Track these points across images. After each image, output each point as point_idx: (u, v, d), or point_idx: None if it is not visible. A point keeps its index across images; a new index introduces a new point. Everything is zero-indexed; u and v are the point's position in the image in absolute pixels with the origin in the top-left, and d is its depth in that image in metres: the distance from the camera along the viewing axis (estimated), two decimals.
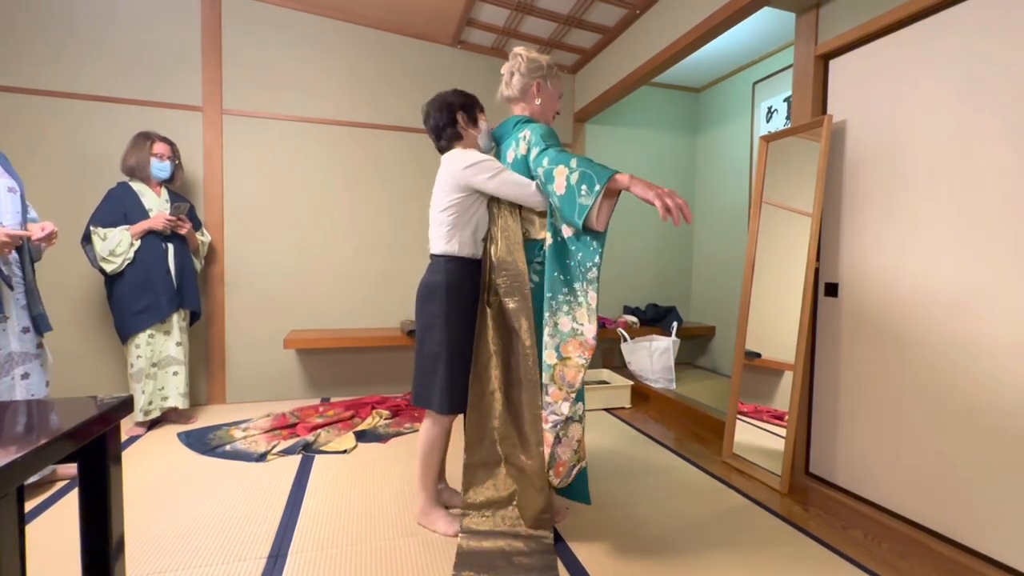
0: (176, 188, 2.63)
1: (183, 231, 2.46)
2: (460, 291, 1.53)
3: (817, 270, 1.91)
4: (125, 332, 2.37)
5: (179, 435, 2.37)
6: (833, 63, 1.89)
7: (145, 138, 2.41)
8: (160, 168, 2.42)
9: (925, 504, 1.57)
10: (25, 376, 1.74)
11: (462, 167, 1.48)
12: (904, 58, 1.63)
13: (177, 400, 2.46)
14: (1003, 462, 1.38)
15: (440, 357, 1.51)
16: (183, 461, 2.11)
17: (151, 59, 2.74)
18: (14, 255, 1.72)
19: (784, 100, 3.12)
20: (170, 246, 2.44)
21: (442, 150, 1.61)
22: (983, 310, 1.43)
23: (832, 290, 1.88)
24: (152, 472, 1.99)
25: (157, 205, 2.44)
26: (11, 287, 1.71)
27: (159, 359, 2.43)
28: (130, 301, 2.34)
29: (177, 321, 2.48)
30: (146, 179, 2.44)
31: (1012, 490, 1.36)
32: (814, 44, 1.92)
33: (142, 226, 2.34)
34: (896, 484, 1.66)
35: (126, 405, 0.95)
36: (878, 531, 1.64)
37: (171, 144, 2.49)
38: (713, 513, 1.76)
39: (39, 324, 1.80)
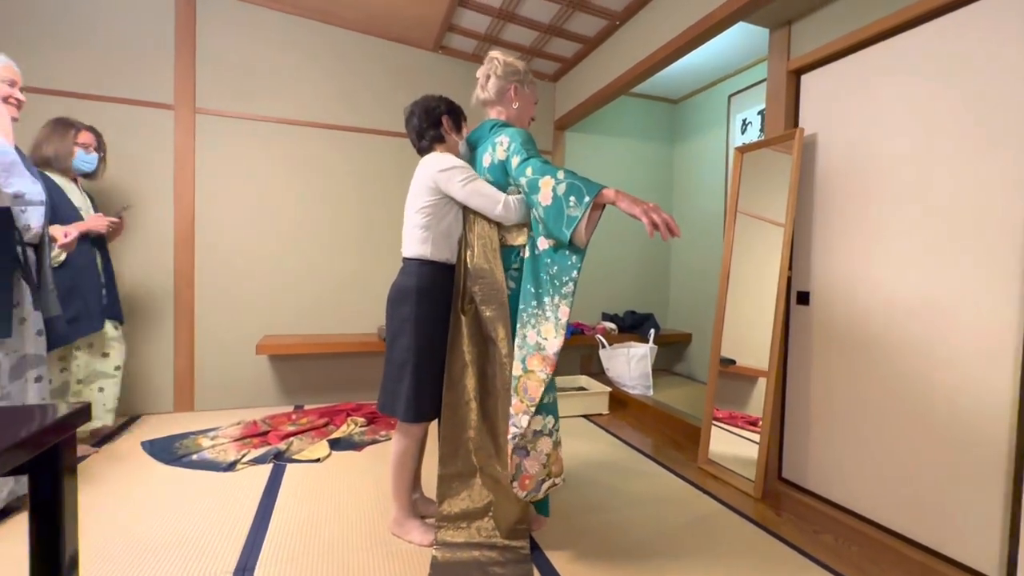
0: (99, 183, 2.37)
1: (120, 233, 2.26)
2: (432, 296, 1.50)
3: (789, 279, 1.96)
4: (53, 343, 1.93)
5: (143, 444, 2.28)
6: (804, 78, 1.94)
7: (68, 126, 2.12)
8: (85, 161, 2.15)
9: (893, 508, 1.61)
10: (38, 379, 1.68)
11: (437, 170, 1.47)
12: (870, 75, 1.69)
13: (106, 418, 2.19)
14: (964, 465, 1.42)
15: (408, 363, 1.48)
16: (146, 472, 2.02)
17: (120, 54, 2.66)
18: (32, 256, 1.65)
19: (758, 113, 3.20)
20: (97, 250, 2.20)
21: (422, 151, 1.59)
22: (944, 318, 1.48)
23: (804, 298, 1.93)
24: (111, 484, 1.90)
25: (83, 203, 2.17)
26: (37, 288, 1.66)
27: (85, 375, 2.16)
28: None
29: (105, 331, 2.21)
30: (65, 172, 2.13)
31: (973, 493, 1.40)
32: (786, 59, 1.98)
33: (79, 228, 2.00)
34: (865, 488, 1.69)
35: (83, 413, 0.90)
36: (849, 535, 1.67)
37: (97, 134, 2.22)
38: (688, 519, 1.77)
39: (56, 327, 1.77)
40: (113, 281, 2.30)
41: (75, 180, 2.21)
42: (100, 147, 2.25)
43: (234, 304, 2.90)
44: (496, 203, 1.45)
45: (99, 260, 2.22)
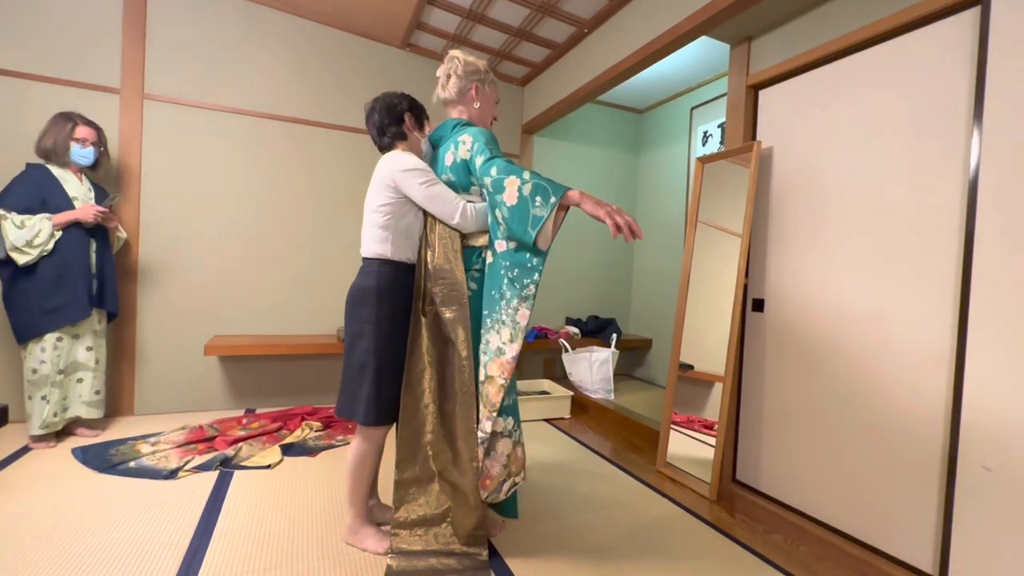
0: (99, 177, 2.42)
1: (111, 224, 2.28)
2: (393, 297, 1.46)
3: (746, 286, 2.02)
4: (30, 332, 2.10)
5: (74, 451, 2.11)
6: (763, 93, 2.02)
7: (67, 119, 2.19)
8: (82, 154, 2.21)
9: (839, 508, 1.67)
10: None
11: (399, 169, 1.43)
12: (823, 93, 1.77)
13: (79, 409, 2.25)
14: (902, 466, 1.50)
15: (368, 365, 1.44)
16: (77, 481, 1.87)
17: (62, 31, 2.48)
18: None
19: (719, 126, 3.31)
20: (92, 240, 2.24)
21: (383, 148, 1.55)
22: (887, 327, 1.55)
23: (759, 305, 1.99)
24: (37, 495, 1.75)
25: (81, 193, 2.22)
26: None
27: (66, 365, 2.20)
28: (42, 298, 2.09)
29: (91, 323, 2.26)
30: (65, 164, 2.21)
31: (910, 492, 1.48)
32: (746, 74, 2.05)
33: (68, 216, 2.13)
34: (813, 490, 1.76)
35: None
36: (797, 535, 1.73)
37: (97, 128, 2.28)
38: (646, 522, 1.79)
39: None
40: (110, 271, 2.33)
41: (79, 173, 2.27)
42: (100, 142, 2.29)
43: (181, 302, 2.74)
44: (455, 211, 1.43)
45: (94, 249, 2.25)
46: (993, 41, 1.32)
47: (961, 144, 1.40)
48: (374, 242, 1.47)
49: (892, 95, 1.57)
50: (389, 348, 1.46)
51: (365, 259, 1.50)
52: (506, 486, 1.45)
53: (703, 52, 2.99)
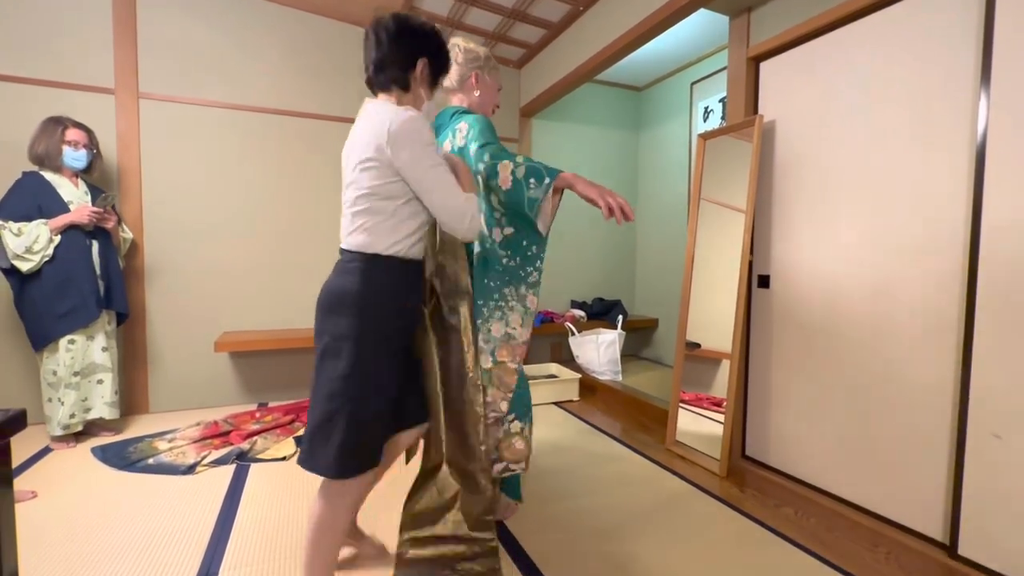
0: (94, 179, 2.41)
1: (109, 225, 2.28)
2: (380, 304, 1.07)
3: (751, 263, 2.01)
4: (44, 338, 2.13)
5: (93, 450, 2.16)
6: (764, 65, 1.98)
7: (56, 124, 2.19)
8: (74, 157, 2.21)
9: (847, 479, 1.69)
10: None
11: (407, 134, 1.02)
12: (825, 63, 1.74)
13: (103, 410, 2.28)
14: (911, 437, 1.50)
15: (342, 396, 1.03)
16: (98, 479, 1.92)
17: (53, 33, 2.46)
18: None
19: (720, 100, 3.26)
20: (94, 242, 2.25)
21: (372, 85, 1.15)
22: (894, 299, 1.54)
23: (764, 282, 1.98)
24: (60, 494, 1.79)
25: (77, 197, 2.23)
26: None
27: (82, 367, 2.22)
28: (51, 303, 2.11)
29: (103, 324, 2.28)
30: (58, 169, 2.21)
31: (919, 462, 1.48)
32: (746, 46, 2.00)
33: (63, 220, 2.13)
34: (821, 462, 1.77)
35: (18, 420, 0.84)
36: (807, 507, 1.75)
37: (87, 131, 2.27)
38: (657, 500, 1.81)
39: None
40: (116, 272, 2.34)
41: (74, 177, 2.27)
42: (91, 144, 2.28)
43: (189, 300, 2.77)
44: (463, 216, 1.09)
45: (96, 251, 2.25)
46: (1000, 1, 1.29)
47: (968, 110, 1.37)
48: (355, 229, 1.09)
49: (896, 62, 1.53)
50: (372, 374, 1.06)
51: (344, 251, 1.12)
52: (496, 467, 1.49)
53: (702, 25, 2.93)
